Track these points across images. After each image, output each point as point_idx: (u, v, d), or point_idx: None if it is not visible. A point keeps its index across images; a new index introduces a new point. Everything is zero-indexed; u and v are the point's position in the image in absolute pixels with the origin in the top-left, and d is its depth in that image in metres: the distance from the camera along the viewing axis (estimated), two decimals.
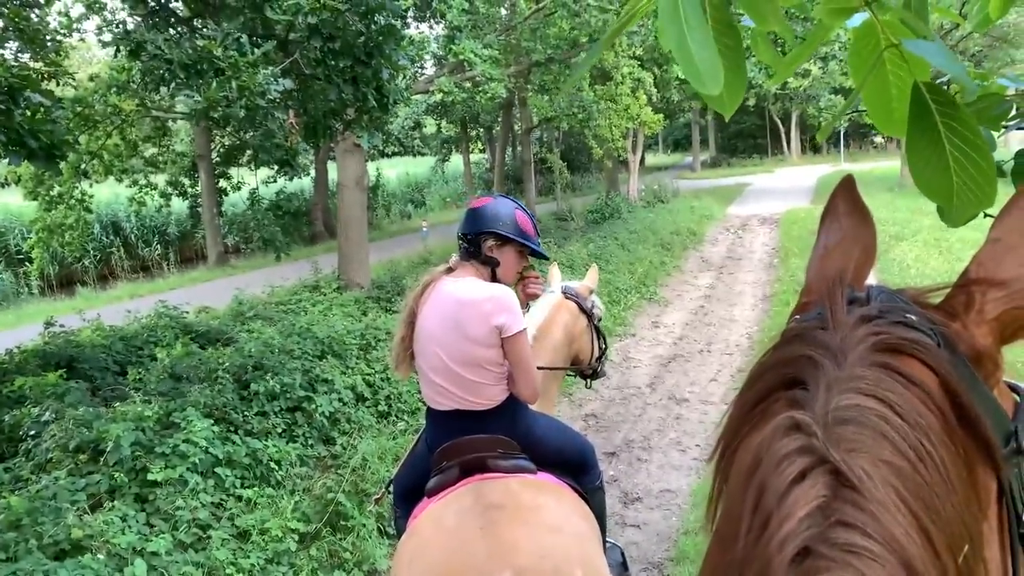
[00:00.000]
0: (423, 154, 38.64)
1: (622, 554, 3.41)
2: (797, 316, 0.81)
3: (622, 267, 11.90)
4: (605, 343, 3.59)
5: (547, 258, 2.96)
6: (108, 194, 20.60)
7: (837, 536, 0.55)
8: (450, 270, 2.64)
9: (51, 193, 11.99)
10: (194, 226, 18.98)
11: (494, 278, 2.61)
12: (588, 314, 3.46)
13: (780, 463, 0.60)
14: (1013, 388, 0.78)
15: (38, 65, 5.45)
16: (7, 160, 4.10)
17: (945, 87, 0.90)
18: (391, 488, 2.92)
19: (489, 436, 2.49)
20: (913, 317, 0.70)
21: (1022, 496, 0.68)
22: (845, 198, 0.89)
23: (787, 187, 27.97)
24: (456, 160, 33.86)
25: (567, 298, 3.41)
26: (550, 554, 2.04)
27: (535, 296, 2.97)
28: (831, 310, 0.72)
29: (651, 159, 52.56)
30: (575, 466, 2.73)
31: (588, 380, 3.70)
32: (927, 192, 0.87)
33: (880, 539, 0.54)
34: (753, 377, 0.73)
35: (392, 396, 6.30)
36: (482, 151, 36.07)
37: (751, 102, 31.77)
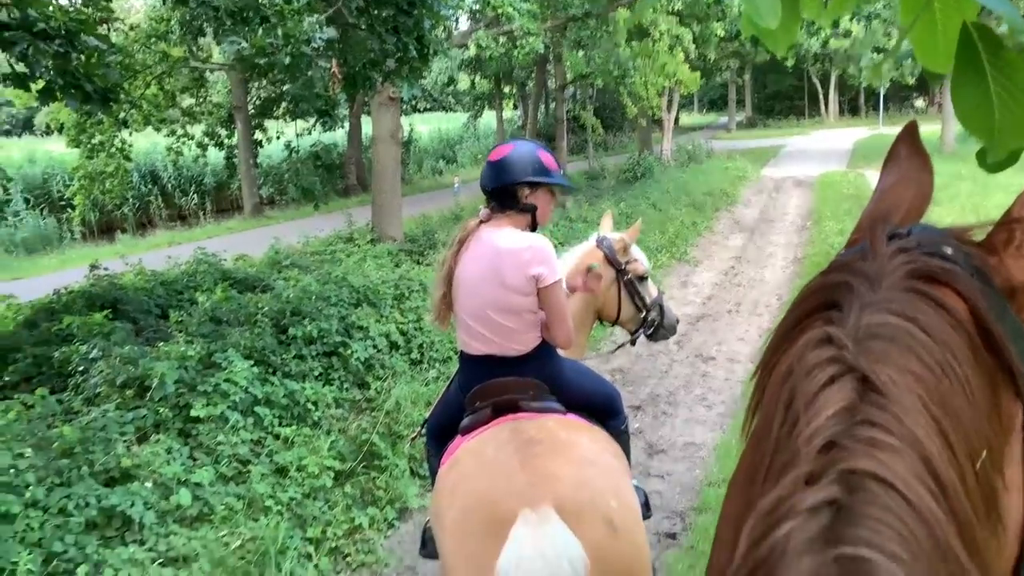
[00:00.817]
0: (455, 110, 38.39)
1: (645, 496, 3.46)
2: (843, 251, 0.86)
3: (653, 226, 11.85)
4: (642, 300, 3.37)
5: (574, 189, 2.94)
6: (146, 144, 20.86)
7: (861, 432, 0.60)
8: (481, 223, 2.66)
9: (92, 141, 12.22)
10: (230, 177, 19.16)
11: (534, 221, 2.66)
12: (618, 268, 3.28)
13: (812, 371, 0.65)
14: None
15: (89, 11, 5.53)
16: (65, 103, 4.19)
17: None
18: (424, 430, 3.02)
19: (521, 378, 2.56)
20: (949, 250, 0.74)
21: None
22: (907, 143, 0.94)
23: (823, 149, 27.50)
24: (488, 117, 33.59)
25: (598, 247, 3.30)
26: (587, 484, 2.13)
27: (594, 291, 2.99)
28: (872, 242, 0.77)
29: (686, 119, 51.75)
30: (602, 410, 2.80)
31: (634, 340, 3.53)
32: (969, 127, 0.91)
33: (900, 436, 0.59)
34: (794, 303, 0.79)
35: (425, 345, 6.42)
36: (515, 108, 35.74)
37: (790, 62, 30.98)
